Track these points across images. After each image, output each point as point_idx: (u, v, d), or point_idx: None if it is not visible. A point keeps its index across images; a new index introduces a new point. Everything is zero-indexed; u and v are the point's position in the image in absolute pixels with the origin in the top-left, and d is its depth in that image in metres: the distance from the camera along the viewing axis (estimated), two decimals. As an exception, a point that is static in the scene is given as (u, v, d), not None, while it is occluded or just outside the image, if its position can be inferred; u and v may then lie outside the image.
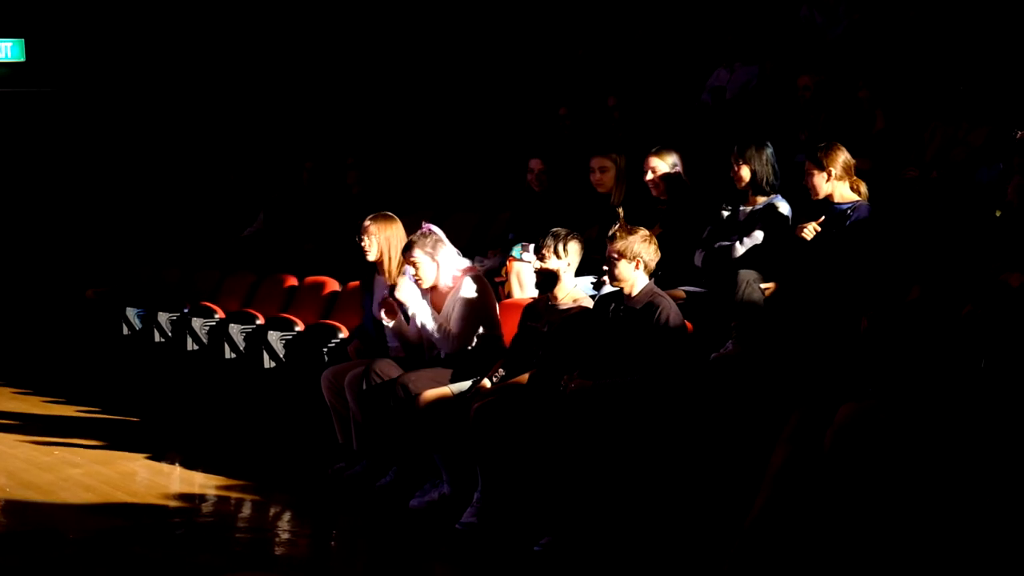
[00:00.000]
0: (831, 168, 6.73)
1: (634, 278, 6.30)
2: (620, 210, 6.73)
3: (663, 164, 7.63)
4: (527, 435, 6.23)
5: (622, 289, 6.35)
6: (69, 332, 11.53)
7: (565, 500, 5.98)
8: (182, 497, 7.31)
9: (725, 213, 7.28)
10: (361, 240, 7.52)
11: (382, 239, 7.52)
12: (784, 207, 7.07)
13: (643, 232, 6.36)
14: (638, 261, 6.28)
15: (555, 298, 6.73)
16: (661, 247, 6.46)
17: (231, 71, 13.45)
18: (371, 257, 7.54)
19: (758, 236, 7.00)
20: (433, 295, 7.24)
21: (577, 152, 9.20)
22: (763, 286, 6.63)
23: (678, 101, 10.23)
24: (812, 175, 6.79)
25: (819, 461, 5.15)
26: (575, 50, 11.69)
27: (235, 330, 9.27)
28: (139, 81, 13.40)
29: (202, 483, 7.65)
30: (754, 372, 6.03)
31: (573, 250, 6.70)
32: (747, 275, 6.63)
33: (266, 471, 7.81)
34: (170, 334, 10.11)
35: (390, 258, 7.49)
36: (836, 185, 6.76)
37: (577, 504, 5.94)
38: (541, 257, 6.70)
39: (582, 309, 6.64)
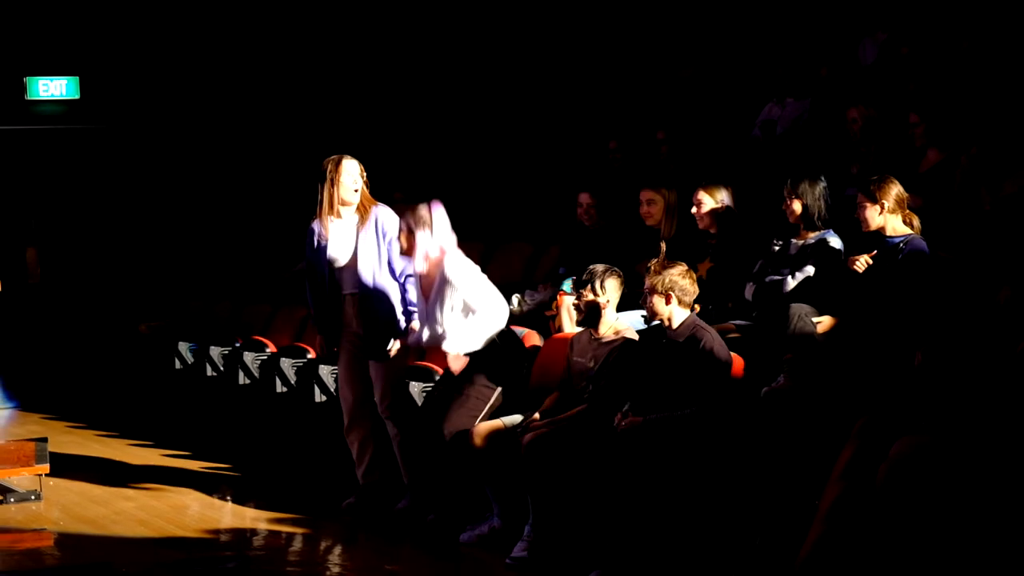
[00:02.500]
0: (884, 201, 6.70)
1: (668, 312, 6.29)
2: (663, 244, 6.70)
3: (711, 199, 7.61)
4: (579, 469, 6.21)
5: (664, 323, 6.34)
6: (122, 366, 11.61)
7: (615, 533, 5.96)
8: (233, 531, 7.34)
9: (776, 247, 7.25)
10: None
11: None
12: (836, 242, 7.03)
13: (681, 267, 6.34)
14: (669, 295, 6.27)
15: (597, 332, 6.73)
16: (711, 281, 6.44)
17: (282, 110, 13.55)
18: None
19: (809, 270, 6.97)
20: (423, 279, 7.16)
21: (627, 186, 9.21)
22: (815, 320, 6.59)
23: (728, 135, 10.21)
24: (864, 208, 6.76)
25: (873, 497, 5.10)
26: (626, 84, 11.70)
27: (286, 364, 9.30)
28: (191, 118, 13.53)
29: (253, 517, 7.67)
30: (806, 407, 5.98)
31: (611, 286, 6.69)
32: (799, 309, 6.60)
33: (317, 504, 7.82)
34: (222, 368, 10.17)
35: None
36: (888, 218, 6.73)
37: (628, 538, 5.92)
38: (579, 296, 6.72)
39: (627, 341, 6.62)
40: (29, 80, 13.02)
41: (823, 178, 7.16)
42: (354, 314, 7.46)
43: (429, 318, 7.05)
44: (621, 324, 6.79)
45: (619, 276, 6.75)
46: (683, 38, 11.37)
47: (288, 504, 7.80)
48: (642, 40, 11.55)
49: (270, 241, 12.33)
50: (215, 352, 10.20)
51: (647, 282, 6.33)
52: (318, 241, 7.42)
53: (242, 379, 9.81)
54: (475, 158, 12.28)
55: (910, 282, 6.49)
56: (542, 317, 8.38)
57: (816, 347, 6.46)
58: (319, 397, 8.89)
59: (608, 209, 8.84)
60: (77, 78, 13.14)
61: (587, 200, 8.78)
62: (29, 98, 13.07)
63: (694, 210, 7.66)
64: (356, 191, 7.40)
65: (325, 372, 8.78)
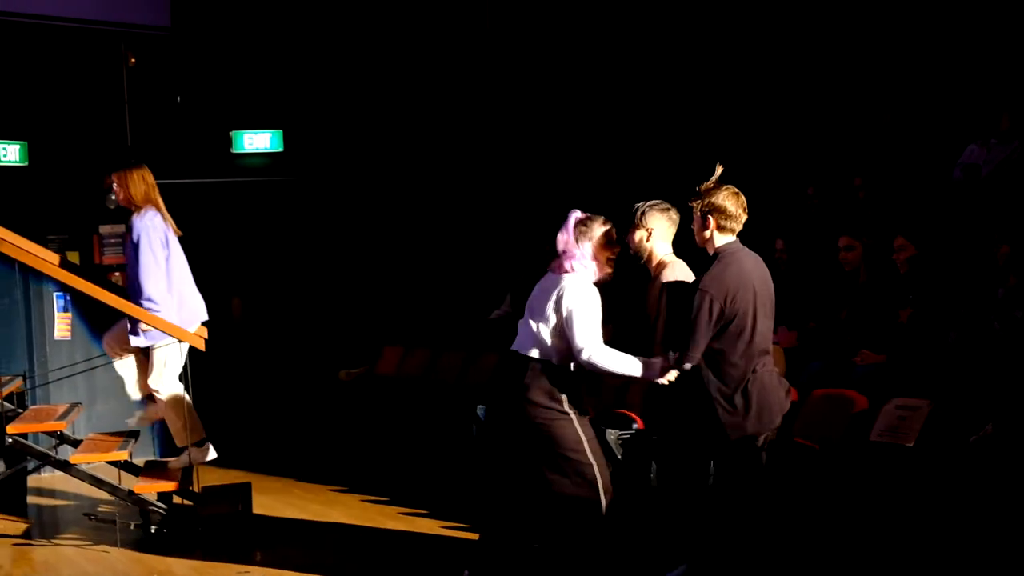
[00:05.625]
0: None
1: (707, 236, 6.05)
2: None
3: (911, 245, 7.48)
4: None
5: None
6: (321, 413, 11.80)
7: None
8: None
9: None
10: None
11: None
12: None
13: (727, 190, 6.03)
14: (708, 219, 5.99)
15: (651, 266, 6.36)
16: (912, 328, 6.29)
17: (475, 162, 13.73)
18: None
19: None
20: None
21: (824, 231, 9.11)
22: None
23: (926, 179, 10.01)
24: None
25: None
26: (824, 129, 11.57)
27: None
28: (387, 169, 13.79)
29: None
30: (1015, 454, 5.83)
31: (655, 219, 6.27)
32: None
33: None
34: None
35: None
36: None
37: None
38: (629, 234, 6.32)
39: (673, 283, 6.20)
40: (235, 134, 13.45)
41: None
42: None
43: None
44: (669, 258, 6.35)
45: (665, 210, 6.33)
46: (881, 82, 11.18)
47: None
48: (841, 86, 11.39)
49: (466, 288, 12.47)
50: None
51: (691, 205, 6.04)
52: None
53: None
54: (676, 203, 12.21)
55: None
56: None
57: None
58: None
59: (801, 253, 8.76)
60: (280, 131, 13.54)
61: (779, 245, 8.74)
62: (234, 151, 13.50)
63: (895, 256, 7.53)
64: None
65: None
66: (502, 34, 13.67)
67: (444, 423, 10.38)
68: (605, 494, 6.08)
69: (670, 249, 6.37)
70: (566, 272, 6.19)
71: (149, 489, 8.13)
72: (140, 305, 8.02)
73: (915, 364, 7.01)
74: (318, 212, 13.86)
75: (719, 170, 6.04)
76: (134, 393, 8.57)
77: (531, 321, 6.21)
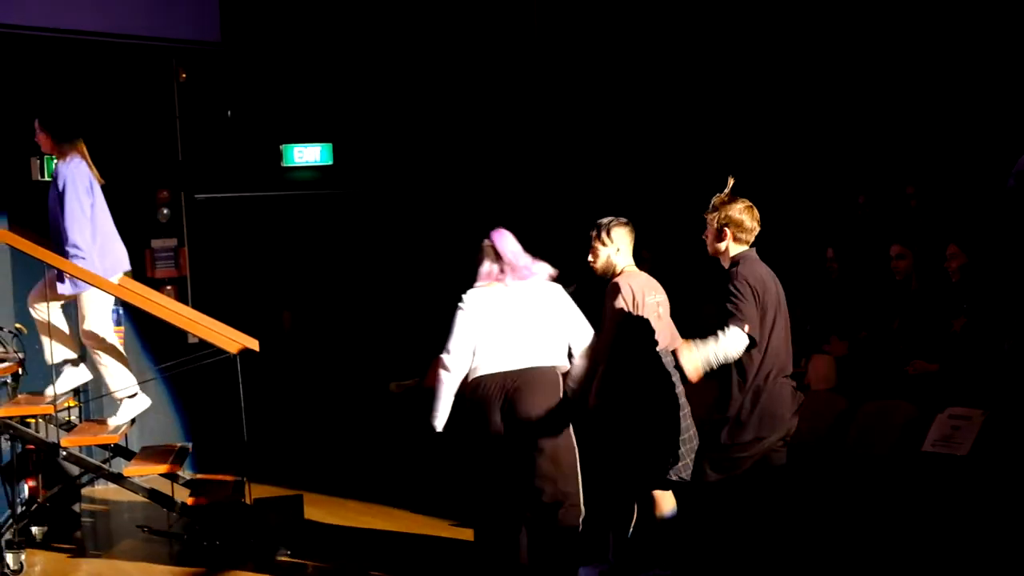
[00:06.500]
0: None
1: (722, 247, 6.15)
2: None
3: (963, 253, 7.41)
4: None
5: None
6: (372, 425, 11.80)
7: None
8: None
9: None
10: None
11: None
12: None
13: (741, 203, 6.14)
14: (724, 231, 6.11)
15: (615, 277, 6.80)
16: (965, 337, 6.23)
17: (514, 172, 13.74)
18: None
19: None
20: None
21: (875, 240, 9.05)
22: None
23: (978, 187, 9.92)
24: None
25: None
26: (872, 139, 11.51)
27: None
28: (435, 181, 13.82)
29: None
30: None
31: (618, 235, 6.80)
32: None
33: None
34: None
35: None
36: None
37: None
38: (593, 253, 6.85)
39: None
40: (285, 148, 13.51)
41: None
42: None
43: None
44: (631, 268, 6.83)
45: (625, 224, 6.85)
46: (934, 89, 11.10)
47: None
48: (894, 94, 11.31)
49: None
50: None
51: (707, 217, 6.17)
52: None
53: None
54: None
55: None
56: (791, 373, 8.25)
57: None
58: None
59: (851, 262, 8.71)
60: (330, 145, 13.60)
61: (830, 254, 8.69)
62: (284, 165, 13.56)
63: (947, 265, 7.47)
64: None
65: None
66: (550, 52, 13.68)
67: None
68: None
69: (631, 261, 6.89)
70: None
71: (201, 501, 8.18)
72: (65, 253, 8.02)
73: (968, 373, 6.94)
74: (368, 224, 13.89)
75: (731, 182, 6.16)
76: (53, 357, 8.42)
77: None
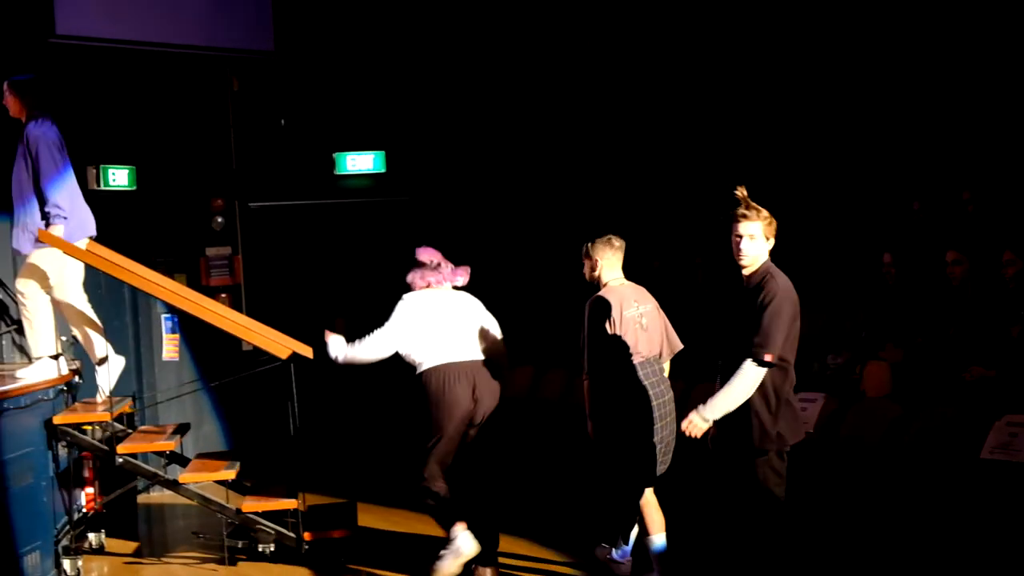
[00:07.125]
0: None
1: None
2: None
3: (1019, 260, 7.34)
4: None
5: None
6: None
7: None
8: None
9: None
10: None
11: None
12: None
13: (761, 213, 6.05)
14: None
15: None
16: (1022, 343, 6.16)
17: (569, 185, 13.73)
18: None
19: None
20: None
21: (931, 245, 8.97)
22: None
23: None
24: None
25: None
26: (928, 144, 11.41)
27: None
28: (488, 189, 13.83)
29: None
30: None
31: (601, 250, 7.15)
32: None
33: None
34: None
35: None
36: None
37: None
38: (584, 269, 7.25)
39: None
40: (338, 156, 13.57)
41: None
42: None
43: None
44: (616, 282, 7.15)
45: (607, 241, 7.19)
46: (991, 95, 11.00)
47: None
48: (951, 100, 11.21)
49: (568, 305, 12.44)
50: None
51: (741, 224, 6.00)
52: None
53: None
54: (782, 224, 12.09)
55: None
56: (847, 380, 8.22)
57: None
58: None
59: (908, 269, 8.64)
60: (383, 152, 13.64)
61: (887, 259, 8.63)
62: (337, 173, 13.62)
63: (1004, 271, 7.40)
64: None
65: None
66: (601, 61, 13.67)
67: (548, 442, 10.34)
68: None
69: (619, 274, 7.20)
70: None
71: (256, 508, 8.21)
72: (47, 213, 7.96)
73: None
74: (421, 232, 13.91)
75: (740, 192, 6.07)
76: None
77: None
